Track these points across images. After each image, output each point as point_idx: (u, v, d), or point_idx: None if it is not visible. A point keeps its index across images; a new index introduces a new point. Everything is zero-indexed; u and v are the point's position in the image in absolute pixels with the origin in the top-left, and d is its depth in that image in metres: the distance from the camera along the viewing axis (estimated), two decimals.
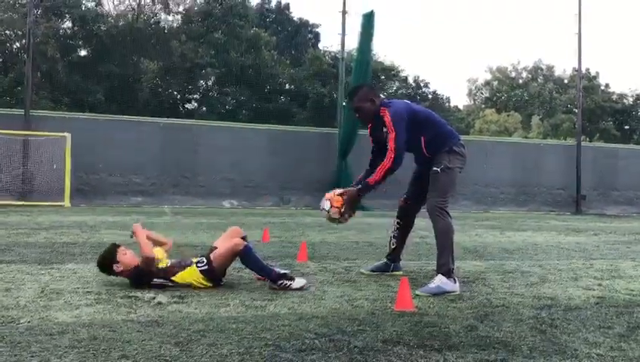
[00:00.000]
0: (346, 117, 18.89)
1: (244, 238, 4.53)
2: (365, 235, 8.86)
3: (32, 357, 2.51)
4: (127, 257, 4.23)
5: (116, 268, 4.21)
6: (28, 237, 7.26)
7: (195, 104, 33.57)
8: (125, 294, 3.86)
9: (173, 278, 4.14)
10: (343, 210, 4.49)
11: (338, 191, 4.62)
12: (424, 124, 4.50)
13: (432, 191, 4.44)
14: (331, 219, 4.59)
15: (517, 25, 73.13)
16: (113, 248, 4.31)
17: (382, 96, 4.66)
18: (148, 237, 4.34)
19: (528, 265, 5.90)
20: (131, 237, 4.36)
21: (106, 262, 4.26)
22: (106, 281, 4.34)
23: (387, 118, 4.38)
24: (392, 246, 4.96)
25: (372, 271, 4.99)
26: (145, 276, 4.14)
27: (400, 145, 4.34)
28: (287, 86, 33.71)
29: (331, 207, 4.50)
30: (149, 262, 4.14)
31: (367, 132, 4.85)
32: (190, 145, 18.39)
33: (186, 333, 2.93)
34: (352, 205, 4.52)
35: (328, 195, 4.59)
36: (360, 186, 4.53)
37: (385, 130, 4.40)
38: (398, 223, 4.92)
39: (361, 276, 4.89)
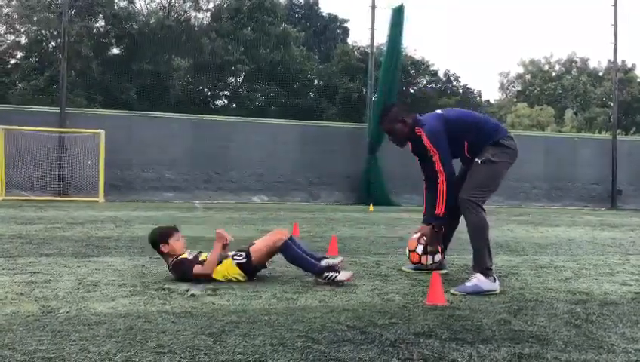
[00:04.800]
0: (375, 112, 18.82)
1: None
2: (396, 230, 8.83)
3: (72, 345, 2.58)
4: (178, 244, 4.25)
5: (163, 248, 4.23)
6: (64, 232, 7.44)
7: (225, 100, 33.86)
8: (159, 286, 3.94)
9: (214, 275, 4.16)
10: (424, 247, 4.67)
11: (415, 236, 4.80)
12: (464, 129, 4.36)
13: (469, 183, 4.25)
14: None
15: (550, 17, 71.87)
16: (171, 230, 4.31)
17: (413, 114, 4.50)
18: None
19: (562, 260, 5.81)
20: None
21: (158, 238, 4.27)
22: (140, 274, 4.43)
23: (425, 140, 4.29)
24: None
25: (415, 269, 4.83)
26: (185, 272, 4.14)
27: (446, 162, 4.29)
28: (316, 82, 33.72)
29: (410, 253, 4.77)
30: (201, 275, 4.11)
31: None
32: (221, 141, 18.57)
33: (219, 324, 2.98)
34: (434, 239, 4.61)
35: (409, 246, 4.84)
36: (431, 222, 4.55)
37: (427, 151, 4.31)
38: None
39: (392, 270, 4.88)
